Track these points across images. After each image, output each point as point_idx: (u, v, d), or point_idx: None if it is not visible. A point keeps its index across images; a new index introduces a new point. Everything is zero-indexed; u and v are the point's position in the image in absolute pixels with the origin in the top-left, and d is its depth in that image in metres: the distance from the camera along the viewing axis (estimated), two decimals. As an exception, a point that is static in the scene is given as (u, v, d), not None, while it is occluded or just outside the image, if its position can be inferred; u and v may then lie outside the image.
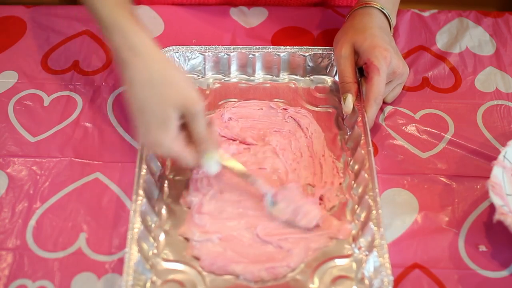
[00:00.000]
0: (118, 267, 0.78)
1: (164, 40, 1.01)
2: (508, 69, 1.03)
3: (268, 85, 1.00)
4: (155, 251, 0.80)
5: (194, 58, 0.99)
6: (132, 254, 0.76)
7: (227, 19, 1.10)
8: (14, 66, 1.02)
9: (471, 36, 1.08)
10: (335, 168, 0.89)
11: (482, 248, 0.81)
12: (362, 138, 0.88)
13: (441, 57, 1.05)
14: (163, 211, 0.84)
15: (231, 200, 0.85)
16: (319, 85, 1.00)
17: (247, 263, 0.78)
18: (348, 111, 0.92)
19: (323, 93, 0.99)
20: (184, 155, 0.80)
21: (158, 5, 1.11)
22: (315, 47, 0.99)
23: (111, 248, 0.81)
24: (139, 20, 0.81)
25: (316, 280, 0.78)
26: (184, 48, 0.99)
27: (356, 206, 0.84)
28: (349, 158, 0.90)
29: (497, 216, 0.77)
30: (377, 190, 0.82)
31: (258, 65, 1.00)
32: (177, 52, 0.99)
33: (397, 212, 0.85)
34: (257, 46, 0.99)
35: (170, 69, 0.79)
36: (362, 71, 0.95)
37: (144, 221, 0.80)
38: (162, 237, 0.81)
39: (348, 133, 0.92)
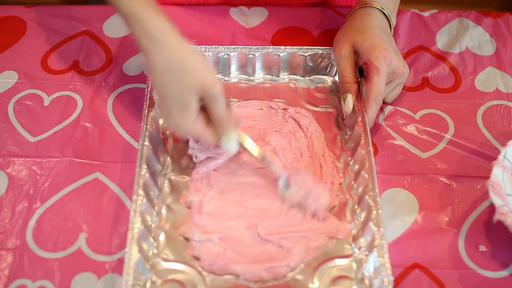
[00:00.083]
0: (118, 267, 0.78)
1: (164, 40, 1.01)
2: (508, 69, 1.03)
3: (268, 85, 1.00)
4: (155, 251, 0.80)
5: (194, 58, 0.99)
6: (132, 254, 0.76)
7: (227, 19, 1.10)
8: (14, 66, 1.02)
9: (471, 36, 1.08)
10: (335, 168, 0.89)
11: (482, 248, 0.81)
12: (362, 138, 0.88)
13: (441, 57, 1.05)
14: (163, 211, 0.84)
15: (231, 200, 0.85)
16: (319, 85, 1.00)
17: (247, 263, 0.78)
18: (348, 111, 0.92)
19: (323, 93, 0.99)
20: (204, 136, 0.83)
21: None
22: (315, 47, 0.99)
23: (111, 248, 0.81)
24: (158, 7, 0.83)
25: (316, 280, 0.78)
26: (184, 48, 0.99)
27: (356, 206, 0.84)
28: (349, 158, 0.90)
29: (497, 216, 0.77)
30: (377, 190, 0.82)
31: (258, 65, 1.00)
32: (177, 52, 0.99)
33: (397, 212, 0.85)
34: (257, 46, 0.99)
35: (187, 55, 0.81)
36: (362, 71, 0.95)
37: (144, 221, 0.80)
38: (162, 237, 0.81)
39: (348, 133, 0.92)
